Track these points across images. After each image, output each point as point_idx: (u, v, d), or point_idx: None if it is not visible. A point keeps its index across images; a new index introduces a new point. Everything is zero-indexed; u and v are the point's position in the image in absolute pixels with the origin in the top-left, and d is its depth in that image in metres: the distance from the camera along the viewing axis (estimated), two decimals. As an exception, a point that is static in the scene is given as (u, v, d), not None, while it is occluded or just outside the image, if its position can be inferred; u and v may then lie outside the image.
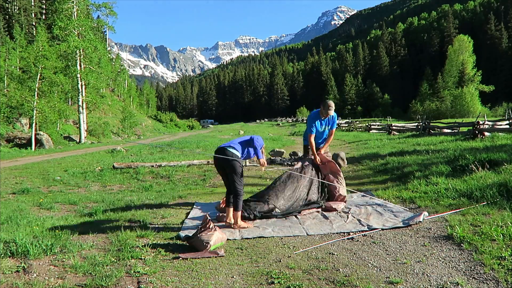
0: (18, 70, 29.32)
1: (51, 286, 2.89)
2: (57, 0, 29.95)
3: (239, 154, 4.50)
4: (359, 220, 4.60)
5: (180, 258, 3.49)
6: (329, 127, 5.74)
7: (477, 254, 3.22)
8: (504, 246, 3.30)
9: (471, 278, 2.83)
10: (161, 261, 3.46)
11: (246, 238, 4.11)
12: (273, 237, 4.13)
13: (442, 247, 3.52)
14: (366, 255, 3.45)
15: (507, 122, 15.37)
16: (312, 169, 5.50)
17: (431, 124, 19.37)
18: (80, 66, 29.50)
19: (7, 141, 24.22)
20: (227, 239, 4.04)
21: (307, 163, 5.57)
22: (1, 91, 25.94)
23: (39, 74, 24.76)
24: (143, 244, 3.84)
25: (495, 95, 59.28)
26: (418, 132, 18.93)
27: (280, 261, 3.39)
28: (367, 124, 31.37)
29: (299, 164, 5.56)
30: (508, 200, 4.58)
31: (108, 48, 61.52)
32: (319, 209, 5.16)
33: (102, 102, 34.96)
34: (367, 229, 4.23)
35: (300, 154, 10.73)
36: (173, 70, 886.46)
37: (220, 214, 4.95)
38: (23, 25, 44.80)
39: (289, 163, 10.36)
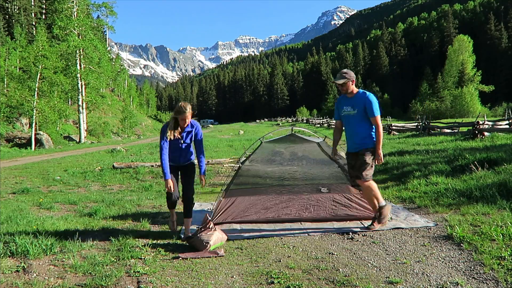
0: (18, 70, 29.29)
1: (51, 285, 2.89)
2: (57, 0, 29.93)
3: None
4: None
5: (180, 258, 3.50)
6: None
7: (476, 254, 3.22)
8: (503, 246, 3.30)
9: (470, 278, 2.84)
10: (161, 261, 3.46)
11: (246, 238, 4.11)
12: (273, 237, 4.13)
13: (442, 247, 3.52)
14: (366, 255, 3.45)
15: (507, 122, 15.37)
16: None
17: (431, 124, 19.36)
18: (80, 66, 29.48)
19: (7, 141, 24.21)
20: (227, 239, 4.04)
21: None
22: (1, 91, 25.91)
23: (39, 74, 24.75)
24: (143, 244, 3.84)
25: (495, 95, 59.22)
26: (418, 132, 18.92)
27: (280, 261, 3.39)
28: (367, 124, 31.20)
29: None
30: (507, 200, 4.58)
31: (108, 48, 61.44)
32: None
33: (102, 102, 34.92)
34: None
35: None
36: (173, 70, 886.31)
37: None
38: (23, 25, 44.76)
39: None
